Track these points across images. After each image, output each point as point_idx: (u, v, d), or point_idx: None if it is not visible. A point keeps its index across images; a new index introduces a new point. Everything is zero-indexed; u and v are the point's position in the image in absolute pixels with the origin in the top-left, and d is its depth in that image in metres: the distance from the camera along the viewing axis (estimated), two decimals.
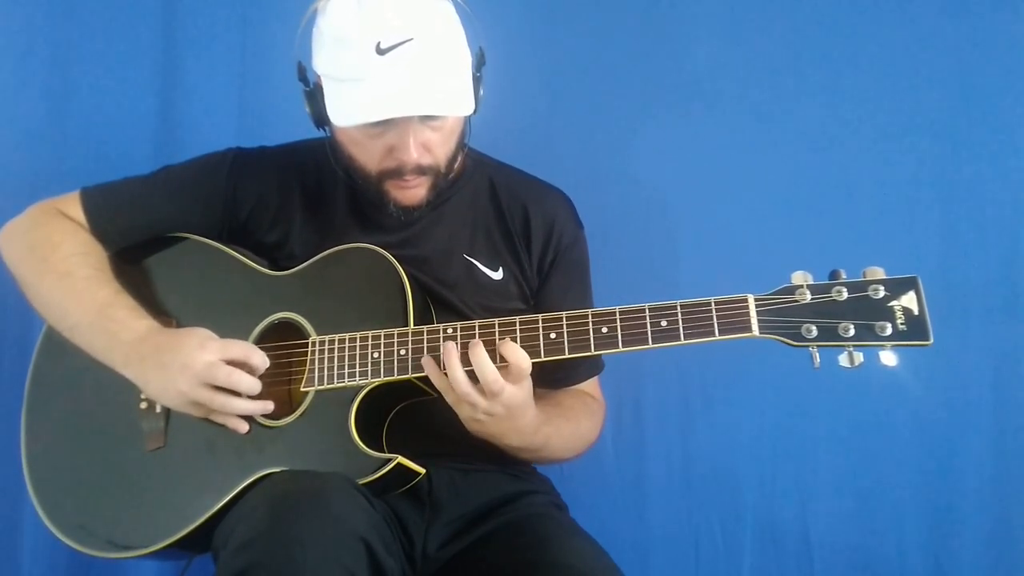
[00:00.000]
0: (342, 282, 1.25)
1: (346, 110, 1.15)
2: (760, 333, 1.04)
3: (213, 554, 1.10)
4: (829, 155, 1.70)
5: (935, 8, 1.69)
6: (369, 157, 1.22)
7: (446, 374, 1.11)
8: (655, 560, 1.71)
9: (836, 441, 1.68)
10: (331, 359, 1.20)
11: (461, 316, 1.27)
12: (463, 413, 1.14)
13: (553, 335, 1.11)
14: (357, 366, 1.18)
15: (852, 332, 1.00)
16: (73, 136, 1.77)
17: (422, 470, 1.17)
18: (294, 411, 1.21)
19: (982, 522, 1.63)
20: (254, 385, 1.17)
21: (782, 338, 1.03)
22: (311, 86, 1.24)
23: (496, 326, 1.13)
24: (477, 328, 1.14)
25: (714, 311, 1.05)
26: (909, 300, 0.99)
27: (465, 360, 1.10)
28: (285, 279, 1.30)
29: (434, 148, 1.21)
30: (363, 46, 1.11)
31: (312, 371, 1.20)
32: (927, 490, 1.65)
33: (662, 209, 1.75)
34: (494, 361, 1.10)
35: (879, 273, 1.02)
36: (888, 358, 0.99)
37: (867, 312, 1.00)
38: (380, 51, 1.11)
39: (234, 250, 1.34)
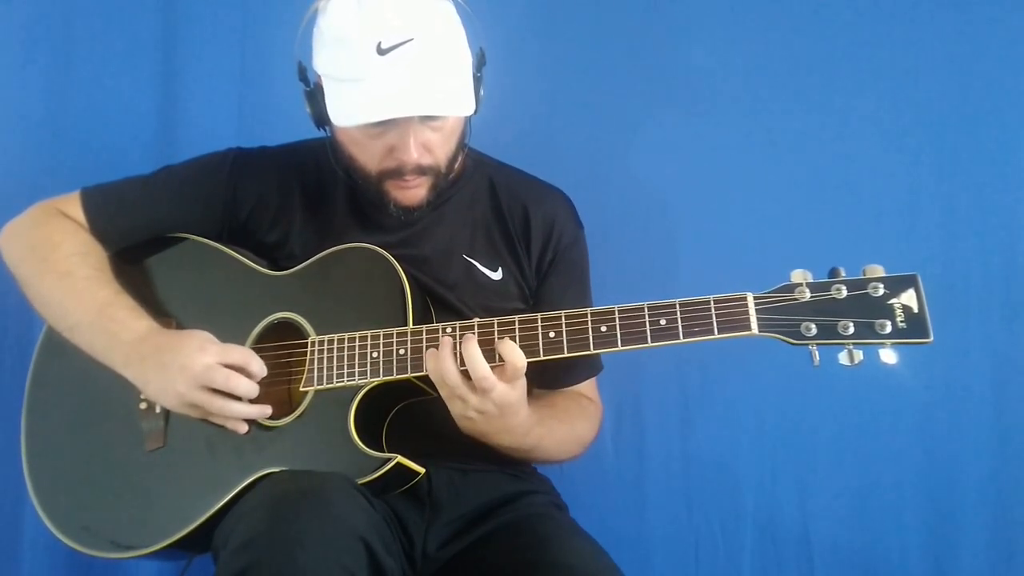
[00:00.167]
0: (342, 282, 1.26)
1: (346, 110, 1.15)
2: (759, 332, 1.04)
3: (213, 554, 1.10)
4: (829, 154, 1.71)
5: (935, 8, 1.69)
6: (369, 157, 1.22)
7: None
8: (655, 560, 1.71)
9: (836, 441, 1.68)
10: (330, 359, 1.20)
11: (460, 316, 1.27)
12: (455, 410, 1.14)
13: (552, 334, 1.11)
14: (356, 366, 1.18)
15: (852, 330, 1.00)
16: (73, 136, 1.77)
17: (422, 470, 1.17)
18: (293, 411, 1.21)
19: (982, 522, 1.63)
20: (252, 389, 1.17)
21: (782, 336, 1.03)
22: (311, 86, 1.24)
23: (495, 325, 1.13)
24: (476, 327, 1.14)
25: (713, 310, 1.05)
26: (909, 298, 0.99)
27: (459, 358, 1.10)
28: (285, 279, 1.30)
29: (434, 148, 1.21)
30: (363, 46, 1.12)
31: (311, 371, 1.20)
32: (927, 490, 1.65)
33: (662, 208, 1.75)
34: (491, 359, 1.10)
35: (879, 271, 1.02)
36: (888, 356, 0.99)
37: (867, 310, 1.00)
38: (380, 51, 1.11)
39: (234, 250, 1.34)
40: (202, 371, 1.15)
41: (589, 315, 1.10)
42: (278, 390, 1.24)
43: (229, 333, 1.23)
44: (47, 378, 1.36)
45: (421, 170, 1.21)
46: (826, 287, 1.02)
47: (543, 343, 1.11)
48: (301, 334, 1.24)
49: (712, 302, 1.05)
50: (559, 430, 1.28)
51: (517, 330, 1.12)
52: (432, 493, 1.27)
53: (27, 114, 1.77)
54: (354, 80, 1.13)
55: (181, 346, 1.18)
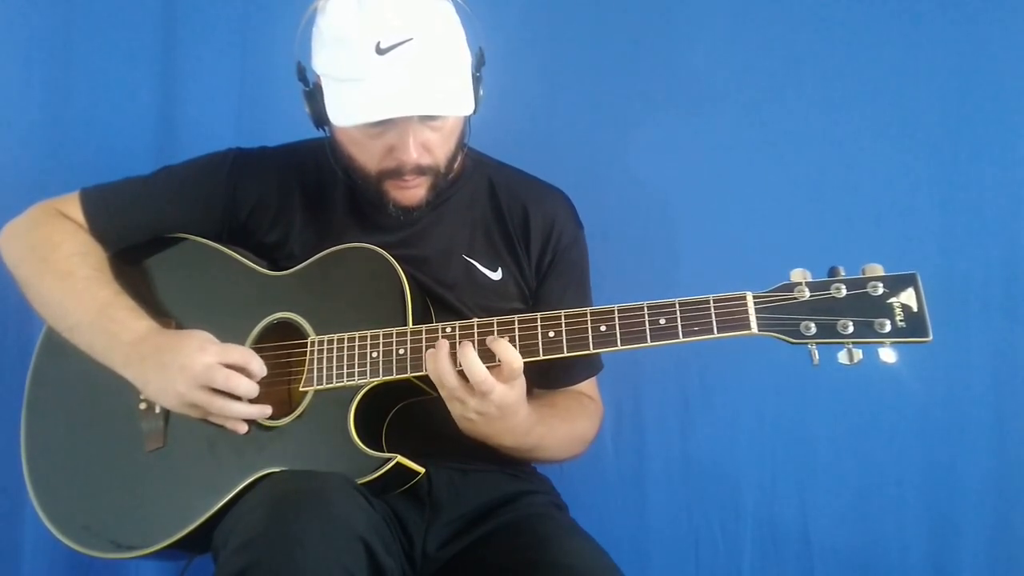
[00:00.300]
0: (341, 282, 1.26)
1: (346, 110, 1.15)
2: (759, 331, 1.04)
3: (213, 554, 1.10)
4: (829, 153, 1.70)
5: (934, 8, 1.69)
6: (369, 157, 1.22)
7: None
8: (655, 560, 1.71)
9: (836, 440, 1.68)
10: (330, 359, 1.20)
11: (460, 316, 1.27)
12: (455, 411, 1.14)
13: (551, 334, 1.11)
14: (356, 366, 1.18)
15: (851, 329, 1.00)
16: (73, 136, 1.77)
17: (421, 470, 1.17)
18: (293, 411, 1.21)
19: (982, 522, 1.63)
20: (252, 389, 1.17)
21: (781, 336, 1.03)
22: (310, 86, 1.24)
23: (495, 325, 1.13)
24: (476, 327, 1.14)
25: (713, 309, 1.05)
26: (908, 297, 0.99)
27: (457, 360, 1.10)
28: (284, 279, 1.30)
29: (434, 148, 1.21)
30: (363, 46, 1.12)
31: (311, 371, 1.20)
32: (927, 489, 1.65)
33: (661, 208, 1.75)
34: (487, 360, 1.10)
35: (878, 270, 1.02)
36: (887, 355, 0.99)
37: (866, 309, 1.00)
38: (380, 51, 1.11)
39: (233, 250, 1.34)
40: (202, 371, 1.15)
41: (589, 315, 1.10)
42: (278, 390, 1.25)
43: (229, 333, 1.23)
44: (47, 378, 1.36)
45: (420, 170, 1.21)
46: (825, 286, 1.02)
47: (543, 343, 1.11)
48: (301, 334, 1.24)
49: (711, 301, 1.06)
50: (560, 429, 1.28)
51: (516, 330, 1.12)
52: (432, 493, 1.27)
53: (27, 114, 1.77)
54: (353, 80, 1.13)
55: (181, 346, 1.18)
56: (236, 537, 1.00)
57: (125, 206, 1.34)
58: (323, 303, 1.25)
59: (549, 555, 1.14)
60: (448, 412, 1.15)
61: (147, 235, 1.36)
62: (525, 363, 1.11)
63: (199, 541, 1.18)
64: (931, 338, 0.98)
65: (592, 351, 1.10)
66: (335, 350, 1.20)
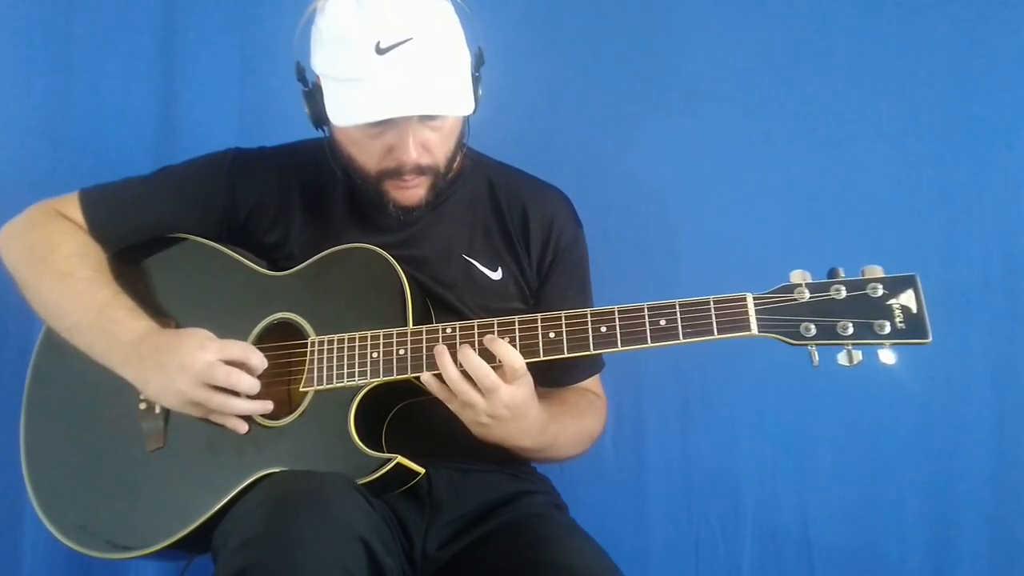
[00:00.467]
0: (341, 282, 1.25)
1: (345, 110, 1.15)
2: (759, 332, 1.04)
3: (213, 554, 1.10)
4: (829, 155, 1.70)
5: (934, 8, 1.69)
6: (368, 157, 1.22)
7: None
8: (655, 560, 1.71)
9: (836, 441, 1.68)
10: (330, 359, 1.20)
11: (460, 316, 1.27)
12: (467, 418, 1.14)
13: (552, 334, 1.11)
14: (356, 366, 1.18)
15: (851, 331, 1.00)
16: (73, 136, 1.77)
17: (421, 470, 1.17)
18: (293, 411, 1.21)
19: (982, 521, 1.63)
20: (253, 385, 1.17)
21: (781, 337, 1.03)
22: (310, 86, 1.24)
23: (495, 326, 1.13)
24: (476, 328, 1.14)
25: (713, 310, 1.05)
26: (908, 298, 1.00)
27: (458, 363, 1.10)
28: (284, 279, 1.30)
29: (433, 148, 1.21)
30: (362, 46, 1.11)
31: (311, 371, 1.20)
32: (927, 489, 1.65)
33: (661, 209, 1.75)
34: (490, 360, 1.10)
35: (878, 271, 1.02)
36: (887, 356, 0.99)
37: (866, 310, 1.00)
38: (379, 51, 1.11)
39: (233, 250, 1.34)
40: (203, 368, 1.15)
41: (589, 315, 1.10)
42: (278, 390, 1.24)
43: (229, 333, 1.22)
44: (47, 379, 1.35)
45: (420, 170, 1.21)
46: (825, 288, 1.02)
47: (543, 343, 1.11)
48: (301, 334, 1.24)
49: (712, 303, 1.06)
50: (572, 426, 1.29)
51: (517, 331, 1.12)
52: (432, 493, 1.27)
53: (27, 114, 1.77)
54: (353, 80, 1.13)
55: (180, 345, 1.18)
56: (236, 537, 1.00)
57: (124, 206, 1.34)
58: (323, 303, 1.25)
59: (549, 555, 1.14)
60: (449, 412, 1.15)
61: (147, 235, 1.35)
62: (528, 363, 1.11)
63: (199, 541, 1.18)
64: (930, 340, 0.98)
65: (593, 352, 1.10)
66: (335, 350, 1.20)
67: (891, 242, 1.65)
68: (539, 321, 1.12)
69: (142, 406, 1.27)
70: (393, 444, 1.22)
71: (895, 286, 1.00)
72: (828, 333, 1.01)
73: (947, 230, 1.66)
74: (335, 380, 1.19)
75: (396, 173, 1.21)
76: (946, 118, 1.68)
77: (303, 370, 1.21)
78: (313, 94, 1.23)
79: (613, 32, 1.79)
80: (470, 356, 1.10)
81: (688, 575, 1.71)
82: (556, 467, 1.43)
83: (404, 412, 1.25)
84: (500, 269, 1.34)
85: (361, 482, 1.12)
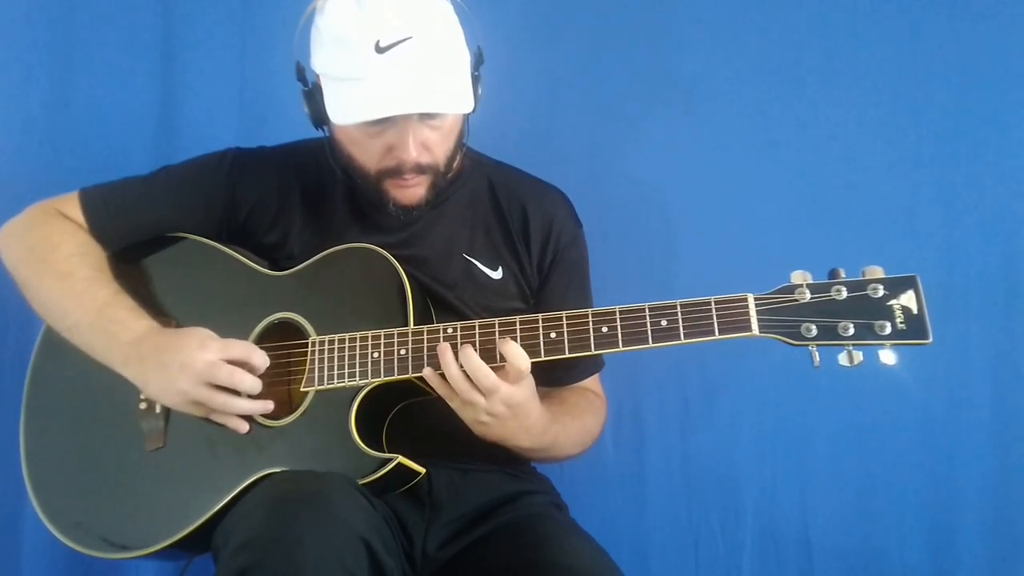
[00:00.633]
0: (342, 282, 1.25)
1: (345, 109, 1.15)
2: (760, 332, 1.04)
3: (213, 554, 1.10)
4: (829, 155, 1.70)
5: (935, 8, 1.69)
6: (368, 156, 1.22)
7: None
8: (655, 560, 1.71)
9: (836, 441, 1.68)
10: (331, 359, 1.20)
11: (461, 316, 1.27)
12: (467, 417, 1.14)
13: (553, 335, 1.11)
14: (357, 366, 1.18)
15: (851, 331, 1.00)
16: (73, 136, 1.77)
17: (422, 470, 1.17)
18: (294, 411, 1.21)
19: (982, 522, 1.63)
20: (255, 384, 1.17)
21: (782, 337, 1.03)
22: (310, 86, 1.24)
23: (496, 326, 1.13)
24: (477, 328, 1.14)
25: (714, 310, 1.05)
26: (908, 299, 1.00)
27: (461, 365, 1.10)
28: (285, 279, 1.29)
29: (433, 147, 1.21)
30: (362, 45, 1.11)
31: (312, 371, 1.20)
32: (927, 489, 1.65)
33: (662, 209, 1.75)
34: (492, 360, 1.10)
35: (878, 272, 1.02)
36: (887, 357, 0.99)
37: (866, 311, 1.00)
38: (379, 50, 1.11)
39: (233, 250, 1.34)
40: (205, 368, 1.15)
41: (590, 316, 1.10)
42: (279, 390, 1.24)
43: (229, 333, 1.22)
44: (46, 378, 1.35)
45: (420, 169, 1.21)
46: (826, 288, 1.02)
47: (544, 344, 1.11)
48: (302, 334, 1.24)
49: (713, 303, 1.06)
50: (573, 426, 1.29)
51: (518, 331, 1.12)
52: (432, 493, 1.27)
53: (27, 114, 1.77)
54: (353, 79, 1.13)
55: (181, 344, 1.18)
56: (236, 537, 1.00)
57: (125, 206, 1.34)
58: (324, 303, 1.25)
59: (549, 555, 1.14)
60: (449, 412, 1.15)
61: (147, 235, 1.35)
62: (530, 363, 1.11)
63: (199, 541, 1.18)
64: (931, 340, 0.98)
65: (594, 352, 1.10)
66: (336, 350, 1.20)
67: (891, 242, 1.65)
68: (540, 321, 1.12)
69: (142, 406, 1.27)
70: (393, 444, 1.22)
71: (896, 287, 1.00)
72: (829, 334, 1.01)
73: (947, 230, 1.66)
74: (336, 380, 1.19)
75: (396, 172, 1.21)
76: (946, 118, 1.68)
77: (304, 370, 1.21)
78: (313, 94, 1.23)
79: (613, 32, 1.79)
80: (471, 357, 1.10)
81: (688, 575, 1.71)
82: (556, 467, 1.43)
83: (404, 412, 1.25)
84: (500, 268, 1.34)
85: (362, 482, 1.12)
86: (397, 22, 1.12)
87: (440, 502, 1.27)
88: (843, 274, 1.04)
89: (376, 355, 1.17)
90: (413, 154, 1.19)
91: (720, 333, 1.05)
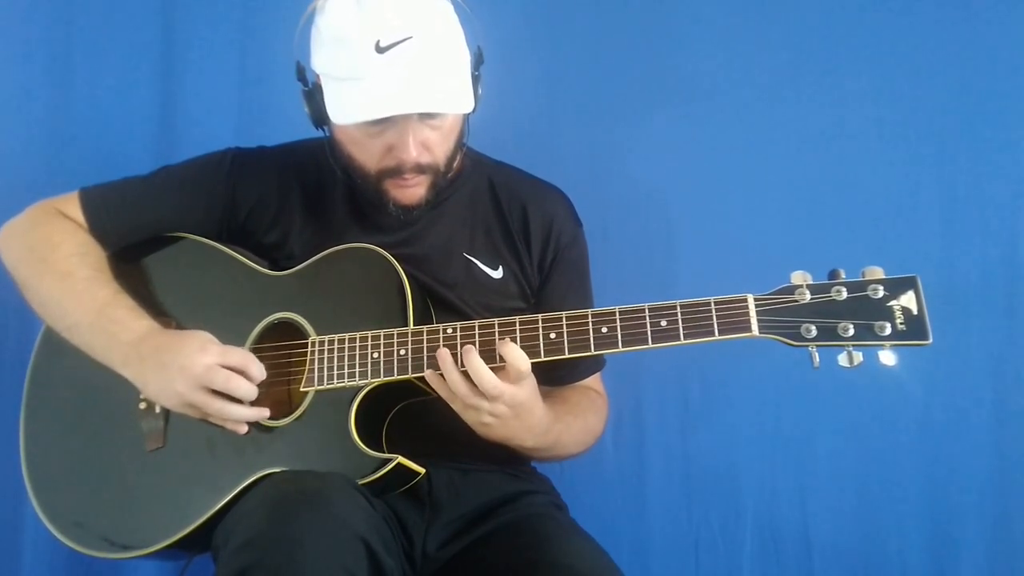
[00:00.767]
0: (341, 282, 1.25)
1: (345, 109, 1.15)
2: (760, 333, 1.04)
3: (213, 554, 1.10)
4: (829, 155, 1.70)
5: (935, 8, 1.69)
6: (368, 156, 1.22)
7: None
8: (655, 560, 1.71)
9: (836, 441, 1.68)
10: (331, 359, 1.20)
11: (461, 315, 1.27)
12: (470, 419, 1.14)
13: (553, 335, 1.11)
14: (357, 366, 1.18)
15: (851, 332, 1.00)
16: (73, 136, 1.77)
17: (422, 470, 1.17)
18: (294, 411, 1.21)
19: (982, 522, 1.63)
20: (251, 391, 1.17)
21: (782, 338, 1.03)
22: (310, 86, 1.24)
23: (496, 326, 1.13)
24: (477, 328, 1.14)
25: (714, 311, 1.05)
26: (908, 300, 0.99)
27: (462, 364, 1.10)
28: (284, 279, 1.29)
29: (433, 147, 1.21)
30: (362, 45, 1.11)
31: (312, 371, 1.20)
32: (927, 490, 1.65)
33: (662, 209, 1.75)
34: (492, 360, 1.10)
35: (878, 273, 1.02)
36: (887, 358, 0.99)
37: (866, 312, 1.00)
38: (379, 49, 1.11)
39: (233, 250, 1.34)
40: (202, 372, 1.15)
41: (590, 316, 1.10)
42: (278, 390, 1.24)
43: (229, 333, 1.23)
44: (46, 378, 1.35)
45: (420, 169, 1.21)
46: (826, 289, 1.02)
47: (544, 344, 1.11)
48: (301, 334, 1.24)
49: (713, 303, 1.06)
50: (575, 425, 1.29)
51: (518, 331, 1.12)
52: (432, 493, 1.27)
53: (27, 114, 1.77)
54: (353, 79, 1.13)
55: (181, 346, 1.18)
56: (236, 537, 1.00)
57: (125, 206, 1.34)
58: (324, 303, 1.25)
59: (549, 555, 1.14)
60: (449, 412, 1.15)
61: (147, 235, 1.35)
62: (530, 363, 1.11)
63: (199, 541, 1.18)
64: (931, 341, 0.98)
65: (593, 352, 1.10)
66: (336, 350, 1.20)
67: (891, 243, 1.65)
68: (540, 322, 1.12)
69: (142, 406, 1.27)
70: (393, 444, 1.22)
71: (896, 287, 1.00)
72: (829, 334, 1.01)
73: (947, 230, 1.66)
74: (336, 380, 1.19)
75: (396, 172, 1.21)
76: (946, 118, 1.68)
77: (303, 370, 1.21)
78: (313, 94, 1.23)
79: (613, 32, 1.79)
80: (473, 360, 1.10)
81: (688, 575, 1.71)
82: (556, 467, 1.43)
83: (404, 412, 1.25)
84: (501, 268, 1.34)
85: (361, 482, 1.12)
86: (397, 22, 1.12)
87: (440, 502, 1.27)
88: (843, 275, 1.03)
89: (376, 355, 1.17)
90: (413, 154, 1.19)
91: (720, 334, 1.05)
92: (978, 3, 1.68)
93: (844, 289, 1.01)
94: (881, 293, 1.00)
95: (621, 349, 1.08)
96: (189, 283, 1.34)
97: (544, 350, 1.11)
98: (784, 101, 1.72)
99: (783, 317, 1.03)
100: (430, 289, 1.29)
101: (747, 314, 1.04)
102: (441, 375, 1.12)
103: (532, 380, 1.13)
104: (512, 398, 1.11)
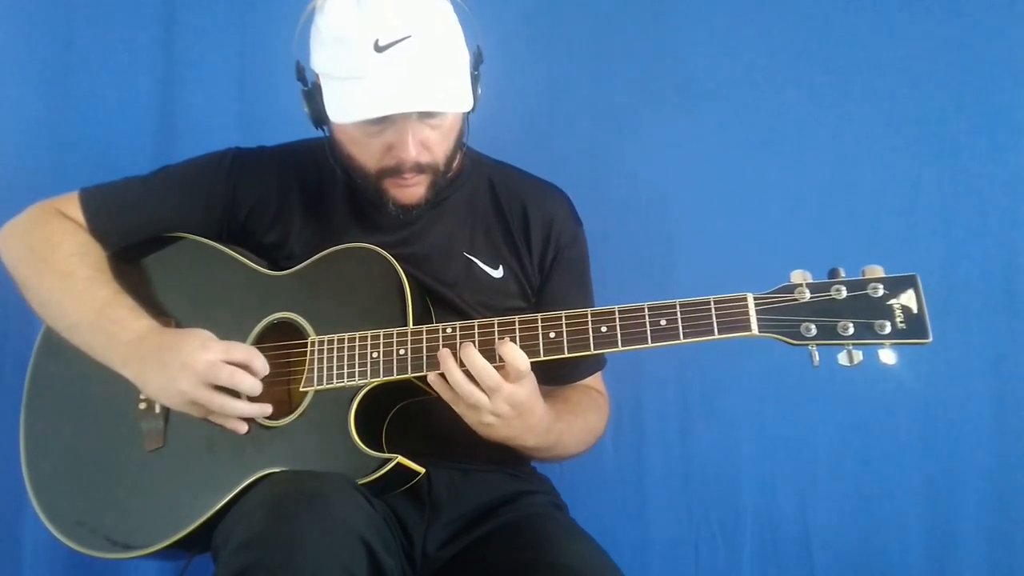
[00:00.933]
0: (341, 282, 1.25)
1: (345, 108, 1.15)
2: (759, 332, 1.04)
3: (213, 554, 1.10)
4: (829, 154, 1.71)
5: (935, 8, 1.69)
6: (368, 156, 1.22)
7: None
8: (655, 560, 1.71)
9: (836, 441, 1.68)
10: (330, 359, 1.20)
11: (461, 314, 1.27)
12: (472, 419, 1.14)
13: (552, 334, 1.11)
14: (356, 366, 1.18)
15: (851, 331, 1.00)
16: (73, 136, 1.77)
17: (421, 470, 1.17)
18: (294, 411, 1.21)
19: (982, 522, 1.63)
20: (255, 386, 1.17)
21: (781, 337, 1.03)
22: (310, 85, 1.24)
23: (495, 326, 1.13)
24: (476, 328, 1.14)
25: (713, 310, 1.05)
26: (908, 298, 0.99)
27: (463, 364, 1.10)
28: (284, 279, 1.29)
29: (433, 146, 1.21)
30: (362, 44, 1.11)
31: (311, 371, 1.20)
32: (927, 489, 1.65)
33: (662, 208, 1.75)
34: (492, 360, 1.10)
35: (878, 271, 1.02)
36: (887, 356, 0.99)
37: (866, 311, 1.00)
38: (378, 49, 1.11)
39: (233, 250, 1.34)
40: (205, 368, 1.15)
41: (589, 315, 1.10)
42: (278, 390, 1.24)
43: (229, 333, 1.22)
44: (46, 378, 1.35)
45: (420, 168, 1.21)
46: (826, 288, 1.02)
47: (543, 343, 1.11)
48: (301, 334, 1.24)
49: (712, 303, 1.06)
50: (576, 424, 1.29)
51: (517, 330, 1.12)
52: (432, 493, 1.27)
53: (27, 114, 1.77)
54: (352, 78, 1.13)
55: (182, 344, 1.18)
56: (236, 537, 1.00)
57: (125, 206, 1.34)
58: (323, 303, 1.25)
59: (549, 555, 1.14)
60: (449, 412, 1.15)
61: (147, 235, 1.35)
62: (530, 363, 1.11)
63: (199, 541, 1.18)
64: (931, 340, 0.98)
65: (593, 352, 1.10)
66: (335, 350, 1.20)
67: (891, 242, 1.65)
68: (539, 321, 1.12)
69: (142, 406, 1.27)
70: (393, 444, 1.22)
71: (896, 286, 1.00)
72: (829, 333, 1.01)
73: (947, 230, 1.66)
74: (335, 380, 1.19)
75: (396, 171, 1.21)
76: (946, 118, 1.68)
77: (303, 370, 1.21)
78: (313, 93, 1.23)
79: (613, 31, 1.79)
80: (473, 356, 1.10)
81: (688, 575, 1.71)
82: (556, 467, 1.43)
83: (404, 412, 1.25)
84: (501, 267, 1.34)
85: (361, 482, 1.12)
86: (396, 21, 1.12)
87: (440, 502, 1.27)
88: (843, 273, 1.03)
89: (375, 355, 1.17)
90: (412, 153, 1.19)
91: (719, 333, 1.05)
92: (978, 3, 1.68)
93: (844, 288, 1.01)
94: (881, 292, 1.00)
95: (620, 348, 1.08)
96: (189, 283, 1.34)
97: (543, 349, 1.11)
98: (784, 101, 1.73)
99: (783, 316, 1.03)
100: (430, 288, 1.29)
101: (747, 313, 1.04)
102: (443, 375, 1.12)
103: (532, 379, 1.13)
104: (513, 396, 1.11)
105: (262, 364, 1.19)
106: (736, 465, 1.71)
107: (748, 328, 1.04)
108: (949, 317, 1.54)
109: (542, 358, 1.11)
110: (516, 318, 1.13)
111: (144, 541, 1.21)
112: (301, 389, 1.21)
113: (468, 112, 1.22)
